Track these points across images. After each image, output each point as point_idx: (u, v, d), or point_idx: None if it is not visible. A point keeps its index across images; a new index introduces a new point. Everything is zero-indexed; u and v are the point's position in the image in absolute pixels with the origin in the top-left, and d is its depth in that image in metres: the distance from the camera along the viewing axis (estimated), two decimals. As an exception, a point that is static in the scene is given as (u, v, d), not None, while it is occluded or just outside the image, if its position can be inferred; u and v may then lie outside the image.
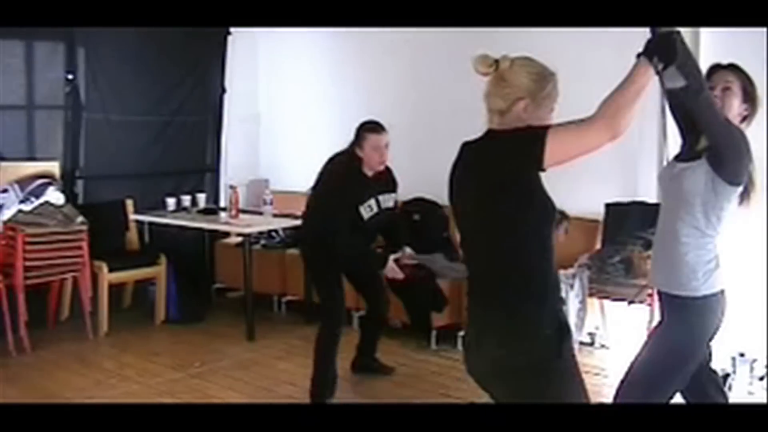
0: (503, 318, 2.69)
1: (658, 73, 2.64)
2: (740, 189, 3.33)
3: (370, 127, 5.12)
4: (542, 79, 2.74)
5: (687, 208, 3.33)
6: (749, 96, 3.39)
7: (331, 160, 5.30)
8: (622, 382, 3.51)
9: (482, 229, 2.77)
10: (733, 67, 3.47)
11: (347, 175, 5.14)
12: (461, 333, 6.17)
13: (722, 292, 3.36)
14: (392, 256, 5.24)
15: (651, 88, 2.65)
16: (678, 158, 3.53)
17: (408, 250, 5.63)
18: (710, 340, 3.45)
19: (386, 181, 5.30)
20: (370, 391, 5.53)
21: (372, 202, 5.17)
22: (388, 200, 5.29)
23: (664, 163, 5.83)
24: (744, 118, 3.40)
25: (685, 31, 5.68)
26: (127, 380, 5.68)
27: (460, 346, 6.15)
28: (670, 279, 3.40)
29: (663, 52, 2.64)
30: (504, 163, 2.66)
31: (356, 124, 5.21)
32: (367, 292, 5.66)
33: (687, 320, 3.37)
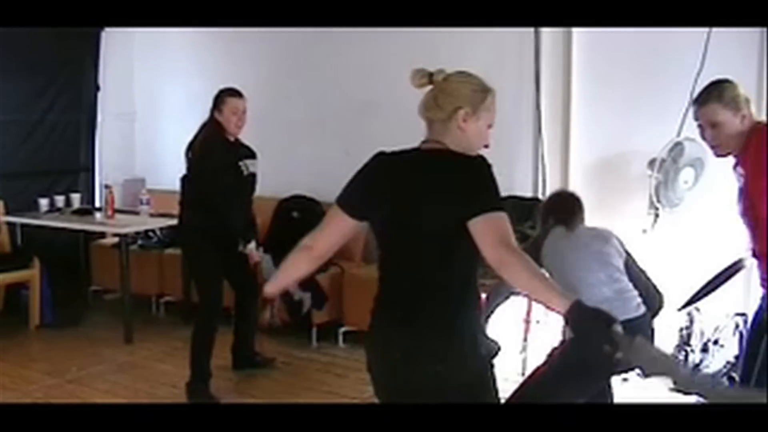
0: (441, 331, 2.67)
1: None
2: None
3: (229, 92, 5.35)
4: (482, 90, 2.76)
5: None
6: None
7: (195, 138, 5.42)
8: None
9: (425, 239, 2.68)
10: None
11: (215, 140, 5.31)
12: (342, 329, 6.27)
13: None
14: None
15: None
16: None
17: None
18: None
19: (245, 147, 5.46)
20: (252, 389, 5.54)
21: (241, 163, 5.32)
22: (252, 165, 5.41)
23: (540, 157, 6.06)
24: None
25: (557, 32, 5.95)
26: (1, 388, 5.52)
27: (341, 343, 6.26)
28: None
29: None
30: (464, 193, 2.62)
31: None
32: (236, 276, 5.56)
33: None
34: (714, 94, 3.25)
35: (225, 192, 5.23)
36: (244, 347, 5.74)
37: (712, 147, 3.32)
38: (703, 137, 3.33)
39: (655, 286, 4.00)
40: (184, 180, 5.50)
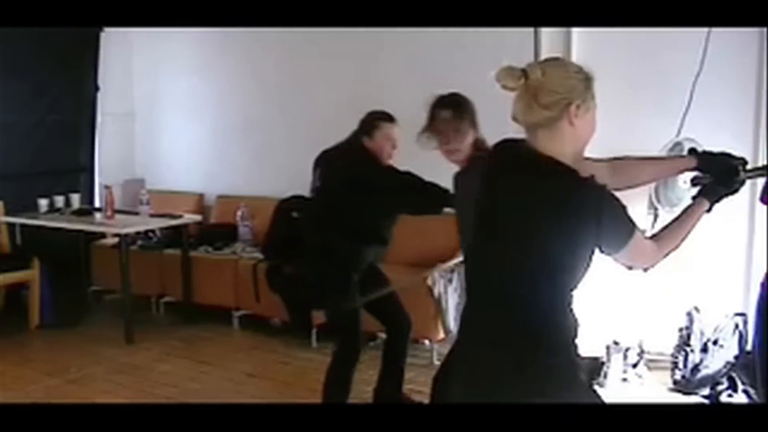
0: None
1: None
2: None
3: (382, 116, 4.48)
4: (587, 78, 2.49)
5: None
6: None
7: (335, 158, 4.68)
8: None
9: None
10: None
11: (373, 167, 4.48)
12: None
13: None
14: None
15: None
16: None
17: None
18: None
19: None
20: (252, 389, 5.55)
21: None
22: None
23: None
24: None
25: (557, 31, 5.94)
26: (1, 388, 5.52)
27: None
28: None
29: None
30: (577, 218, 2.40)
31: (233, 121, 5.18)
32: (384, 306, 4.81)
33: None
34: None
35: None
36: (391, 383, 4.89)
37: None
38: None
39: None
40: (322, 198, 4.83)
